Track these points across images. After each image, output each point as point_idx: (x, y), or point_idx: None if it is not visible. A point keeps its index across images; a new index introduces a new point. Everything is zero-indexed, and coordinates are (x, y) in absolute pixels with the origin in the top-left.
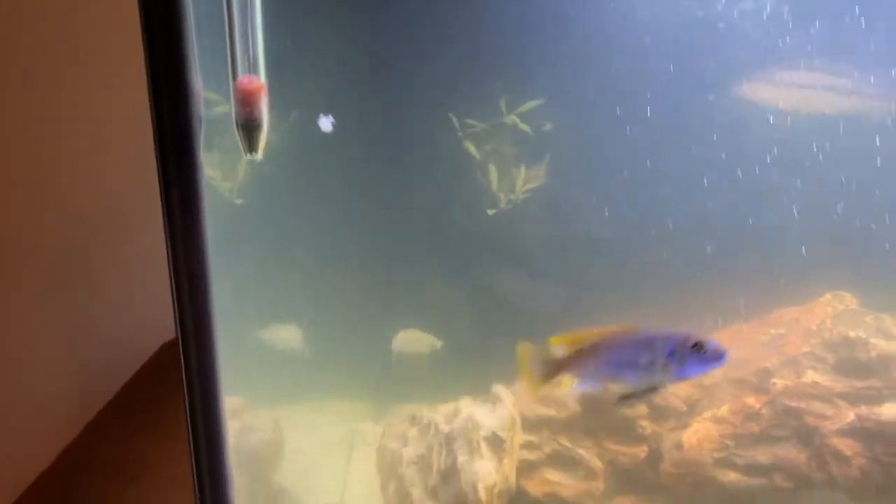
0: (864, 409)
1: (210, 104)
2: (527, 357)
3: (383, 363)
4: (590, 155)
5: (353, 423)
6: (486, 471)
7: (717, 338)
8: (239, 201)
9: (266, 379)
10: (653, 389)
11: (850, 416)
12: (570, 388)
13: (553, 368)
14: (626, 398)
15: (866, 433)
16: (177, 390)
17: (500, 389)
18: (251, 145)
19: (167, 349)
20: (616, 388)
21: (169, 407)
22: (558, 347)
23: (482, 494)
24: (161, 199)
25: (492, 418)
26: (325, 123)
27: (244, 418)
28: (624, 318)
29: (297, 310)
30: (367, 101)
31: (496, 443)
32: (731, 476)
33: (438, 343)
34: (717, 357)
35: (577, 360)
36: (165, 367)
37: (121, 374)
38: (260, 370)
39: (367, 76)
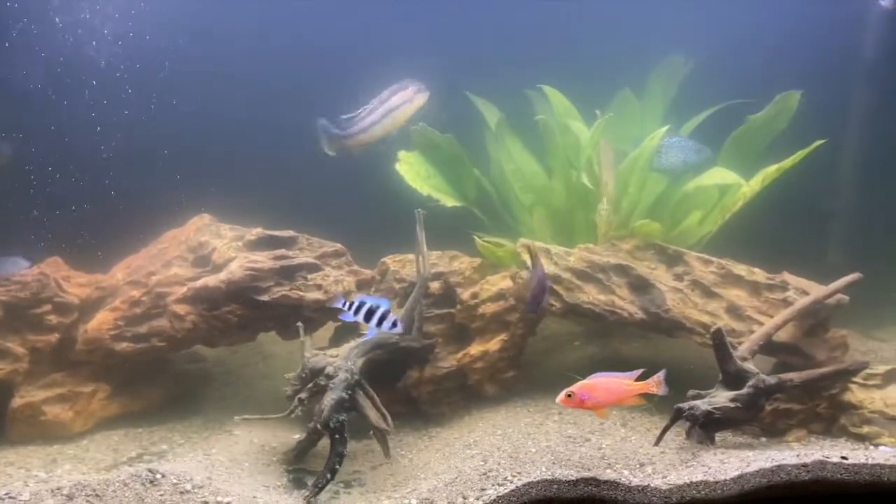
0: (190, 284)
1: None
2: None
3: None
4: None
5: None
6: None
7: (131, 256)
8: None
9: None
10: None
11: (185, 289)
12: None
13: None
14: None
15: (192, 299)
16: None
17: None
18: None
19: None
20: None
21: None
22: None
23: None
24: None
25: None
26: None
27: None
28: None
29: None
30: None
31: None
32: (124, 345)
33: None
34: None
35: None
36: None
37: None
38: None
39: None
